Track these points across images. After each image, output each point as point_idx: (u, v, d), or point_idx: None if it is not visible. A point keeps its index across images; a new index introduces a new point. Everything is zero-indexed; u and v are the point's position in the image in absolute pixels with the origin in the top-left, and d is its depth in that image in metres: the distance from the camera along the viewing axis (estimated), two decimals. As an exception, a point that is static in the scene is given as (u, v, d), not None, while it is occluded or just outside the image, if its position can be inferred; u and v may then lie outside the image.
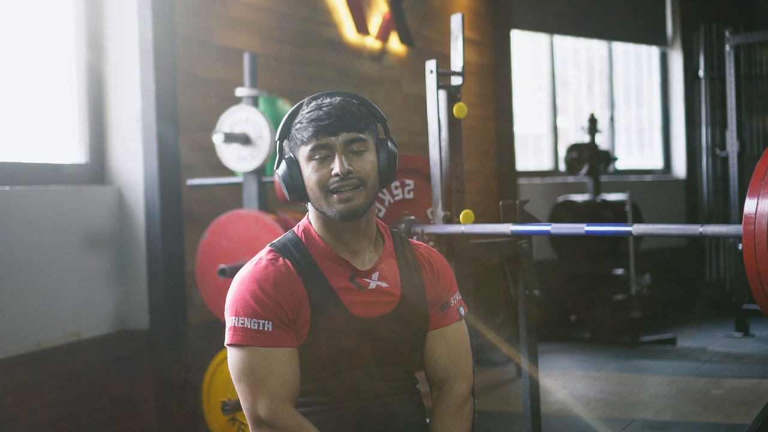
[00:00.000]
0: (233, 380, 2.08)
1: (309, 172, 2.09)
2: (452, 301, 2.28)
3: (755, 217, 2.05)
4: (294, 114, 2.15)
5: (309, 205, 2.17)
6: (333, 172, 2.06)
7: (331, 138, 2.07)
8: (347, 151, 2.08)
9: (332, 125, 2.07)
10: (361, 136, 2.10)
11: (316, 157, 2.08)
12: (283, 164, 2.14)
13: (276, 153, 2.20)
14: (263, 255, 2.14)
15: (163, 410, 4.35)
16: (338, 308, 2.09)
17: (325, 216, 2.12)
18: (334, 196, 2.07)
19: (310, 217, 2.19)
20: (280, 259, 2.11)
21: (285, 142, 2.19)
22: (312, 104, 2.12)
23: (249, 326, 2.04)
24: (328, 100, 2.11)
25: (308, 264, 2.12)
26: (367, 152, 2.11)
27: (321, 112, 2.08)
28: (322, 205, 2.10)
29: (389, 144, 2.18)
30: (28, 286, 3.82)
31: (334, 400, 2.11)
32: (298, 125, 2.11)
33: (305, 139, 2.09)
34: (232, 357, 2.07)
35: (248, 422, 2.07)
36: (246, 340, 2.04)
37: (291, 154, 2.15)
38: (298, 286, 2.08)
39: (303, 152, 2.10)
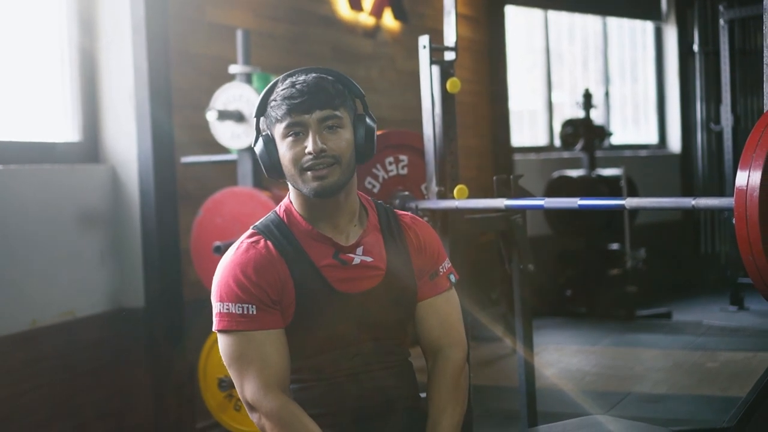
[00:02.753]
0: (225, 365, 2.09)
1: (284, 150, 2.09)
2: (441, 270, 2.27)
3: (746, 189, 2.06)
4: (270, 91, 2.14)
5: (289, 183, 2.17)
6: (306, 150, 2.05)
7: (305, 116, 2.06)
8: (321, 129, 2.07)
9: (305, 103, 2.06)
10: (336, 113, 2.09)
11: (290, 134, 2.07)
12: (260, 141, 2.14)
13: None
14: (244, 238, 2.14)
15: (158, 389, 4.36)
16: (322, 286, 2.09)
17: (302, 193, 2.12)
18: (309, 173, 2.06)
19: (291, 197, 2.18)
20: (262, 241, 2.11)
21: (262, 120, 2.18)
22: (286, 82, 2.11)
23: (234, 311, 2.05)
24: (302, 78, 2.10)
25: (291, 244, 2.12)
26: (342, 129, 2.10)
27: (294, 90, 2.07)
28: (297, 182, 2.09)
29: (367, 119, 2.17)
30: (22, 265, 3.82)
31: (326, 377, 2.12)
32: (273, 103, 2.10)
33: (279, 117, 2.08)
34: (222, 343, 2.08)
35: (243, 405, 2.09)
36: (232, 325, 2.05)
37: (268, 132, 2.15)
38: (280, 267, 2.08)
39: (278, 130, 2.10)
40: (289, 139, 2.08)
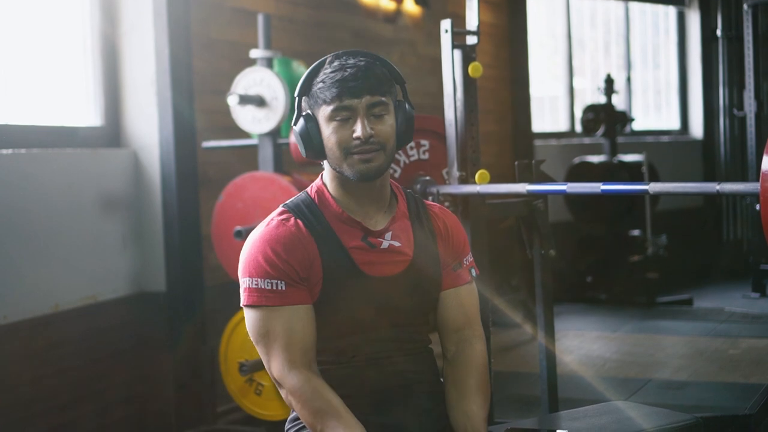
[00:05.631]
0: (252, 341, 2.10)
1: (329, 133, 2.08)
2: (465, 262, 2.27)
3: (773, 174, 2.04)
4: (315, 71, 2.12)
5: (325, 165, 2.16)
6: (355, 135, 2.05)
7: (354, 100, 2.05)
8: (369, 114, 2.06)
9: (357, 87, 2.04)
10: (383, 99, 2.08)
11: (338, 118, 2.06)
12: (301, 121, 2.13)
13: (293, 110, 2.19)
14: (275, 215, 2.14)
15: (179, 373, 4.38)
16: (350, 267, 2.10)
17: (341, 176, 2.12)
18: (355, 156, 2.06)
19: (325, 178, 2.18)
20: (292, 219, 2.11)
21: (304, 99, 2.16)
22: (335, 63, 2.09)
23: (263, 287, 2.05)
24: (352, 61, 2.08)
25: (320, 224, 2.12)
26: (388, 116, 2.10)
27: (346, 73, 2.05)
28: (341, 165, 2.09)
29: (407, 106, 2.17)
30: (44, 249, 3.83)
31: (346, 361, 2.13)
32: (321, 84, 2.08)
33: (327, 99, 2.06)
34: (249, 318, 2.08)
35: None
36: (261, 300, 2.05)
37: (309, 111, 2.14)
38: (309, 245, 2.08)
39: (324, 112, 2.08)
40: (336, 122, 2.07)
